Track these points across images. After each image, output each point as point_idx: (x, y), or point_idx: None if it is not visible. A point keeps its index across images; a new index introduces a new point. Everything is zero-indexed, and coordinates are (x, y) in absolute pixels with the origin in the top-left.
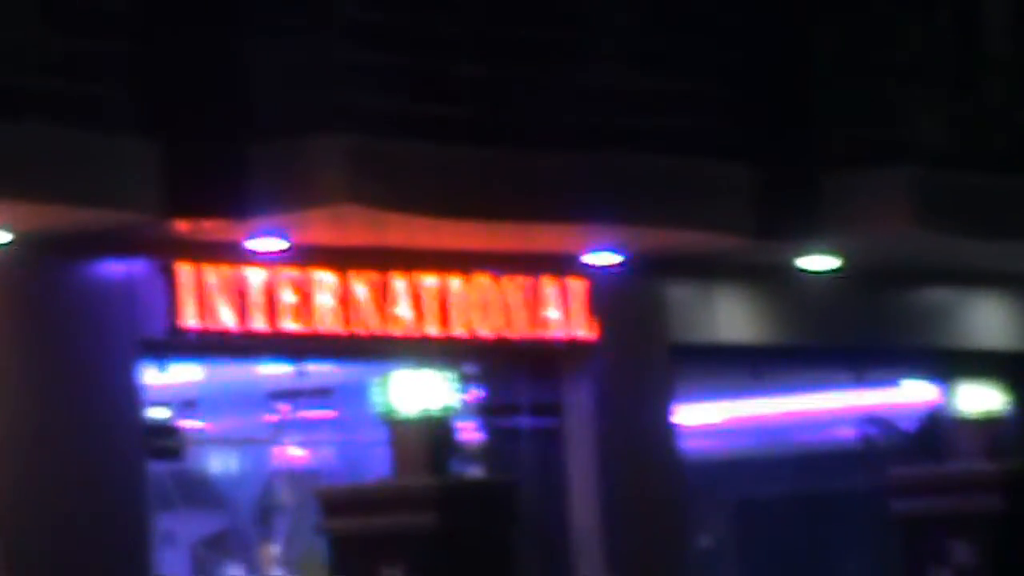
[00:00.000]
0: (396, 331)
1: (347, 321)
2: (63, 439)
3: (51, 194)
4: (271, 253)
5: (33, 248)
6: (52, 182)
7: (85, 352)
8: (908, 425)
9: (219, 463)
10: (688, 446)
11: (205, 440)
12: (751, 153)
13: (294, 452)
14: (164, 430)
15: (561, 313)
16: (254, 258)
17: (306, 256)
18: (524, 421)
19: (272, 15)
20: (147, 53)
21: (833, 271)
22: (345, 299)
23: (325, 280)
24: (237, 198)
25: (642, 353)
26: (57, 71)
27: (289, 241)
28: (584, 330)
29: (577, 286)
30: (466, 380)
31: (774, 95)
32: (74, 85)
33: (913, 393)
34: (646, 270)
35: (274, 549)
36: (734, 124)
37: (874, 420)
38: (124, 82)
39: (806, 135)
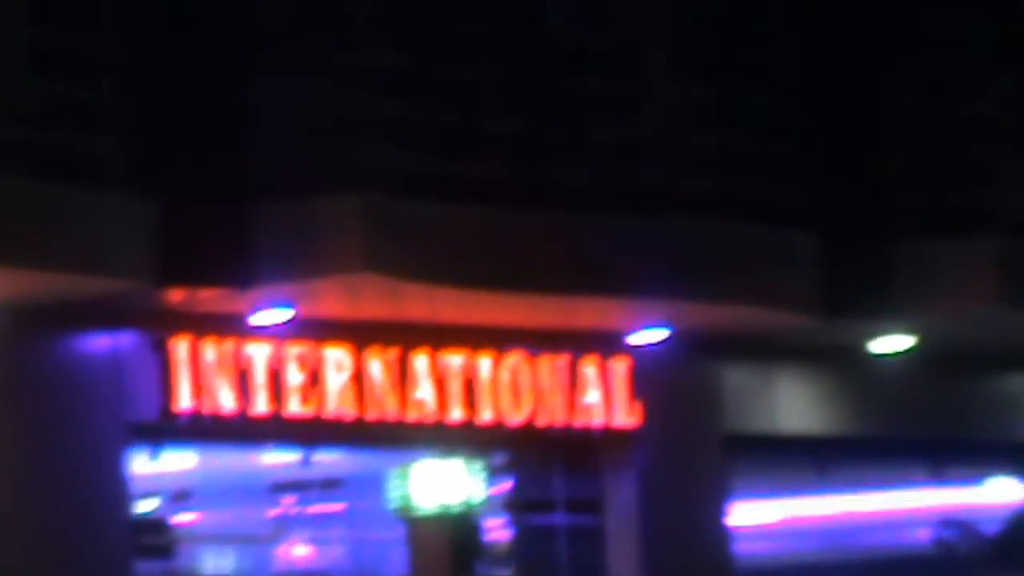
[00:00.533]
0: (416, 416)
1: (360, 404)
2: (40, 534)
3: (29, 258)
4: (276, 326)
5: (7, 318)
6: (30, 244)
7: (67, 436)
8: (991, 528)
9: (215, 563)
10: (743, 549)
11: (199, 537)
12: (818, 221)
13: (299, 551)
14: (154, 525)
15: (601, 397)
16: (257, 332)
17: (315, 330)
18: (559, 519)
19: (280, 61)
20: (141, 102)
21: (908, 353)
22: (358, 379)
23: (336, 357)
24: (239, 265)
25: (692, 443)
26: (36, 120)
27: (296, 313)
28: (627, 416)
29: (620, 367)
30: (494, 472)
31: (844, 156)
32: (56, 135)
33: (997, 492)
34: (698, 350)
35: None
36: (799, 188)
37: (953, 522)
38: (115, 133)
39: (879, 201)
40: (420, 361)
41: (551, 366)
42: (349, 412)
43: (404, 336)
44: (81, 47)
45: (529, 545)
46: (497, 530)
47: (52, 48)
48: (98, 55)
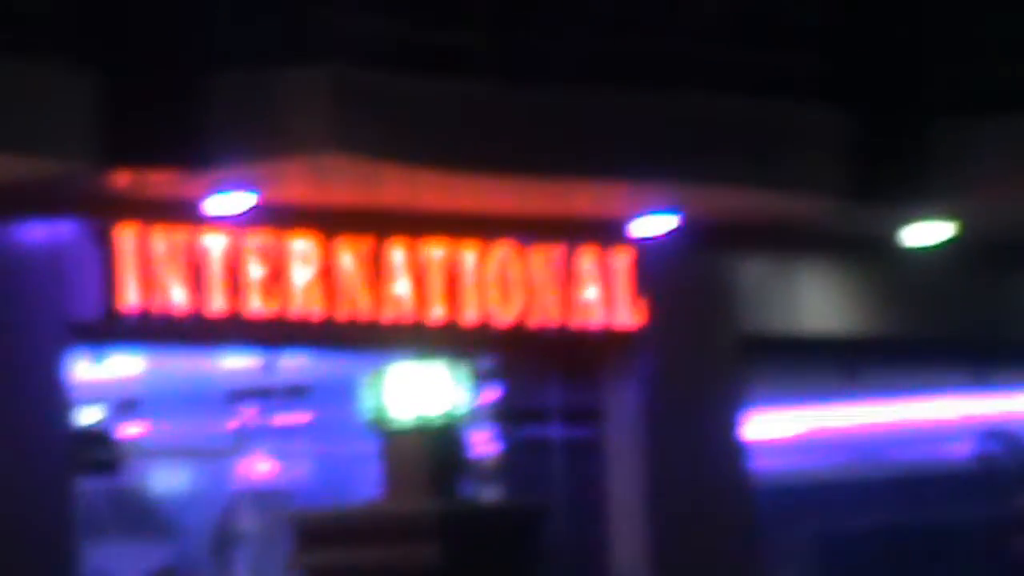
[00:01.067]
0: (392, 315)
1: (329, 301)
2: None
3: None
4: (234, 214)
5: None
6: None
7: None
8: None
9: (166, 480)
10: (761, 465)
11: (148, 451)
12: (846, 96)
13: (261, 467)
14: (97, 438)
15: (601, 293)
16: (213, 220)
17: (278, 218)
18: (553, 430)
19: None
20: None
21: (946, 244)
22: (327, 273)
23: (302, 249)
24: (192, 144)
25: (703, 346)
26: None
27: (257, 198)
28: (629, 315)
29: (621, 259)
30: (480, 378)
31: (874, 20)
32: None
33: None
34: (709, 240)
35: None
36: (824, 57)
37: (996, 434)
38: None
39: (915, 74)
40: (396, 253)
41: (544, 258)
42: (316, 310)
43: (378, 224)
44: None
45: (519, 460)
46: (483, 444)
47: None
48: None
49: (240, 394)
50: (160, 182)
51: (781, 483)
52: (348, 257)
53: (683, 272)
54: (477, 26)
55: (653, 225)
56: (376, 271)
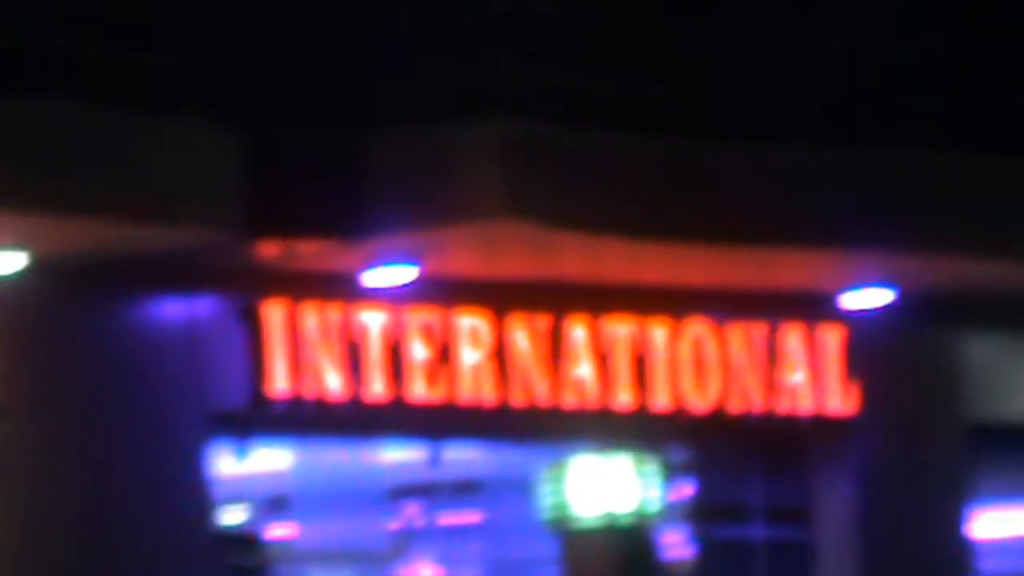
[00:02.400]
0: (572, 401)
1: (502, 386)
2: (102, 552)
3: (83, 202)
4: (395, 288)
5: (57, 278)
6: (84, 185)
7: (132, 429)
8: None
9: None
10: (989, 568)
11: (300, 554)
12: None
13: (425, 572)
14: (243, 540)
15: (809, 376)
16: (371, 295)
17: (445, 292)
18: (755, 530)
19: None
20: (222, 6)
21: None
22: (500, 354)
23: (472, 327)
24: (347, 210)
25: (924, 435)
26: (90, 30)
27: (420, 271)
28: (841, 401)
29: (832, 338)
30: (672, 471)
31: None
32: (116, 49)
33: None
34: (931, 316)
35: None
36: None
37: None
38: (191, 46)
39: None
40: (577, 331)
41: (744, 337)
42: (488, 396)
43: (557, 299)
44: None
45: (717, 564)
46: (677, 545)
47: None
48: None
49: (402, 491)
50: (312, 253)
51: None
52: (523, 336)
53: (901, 352)
54: (669, 76)
55: (867, 299)
56: (555, 352)
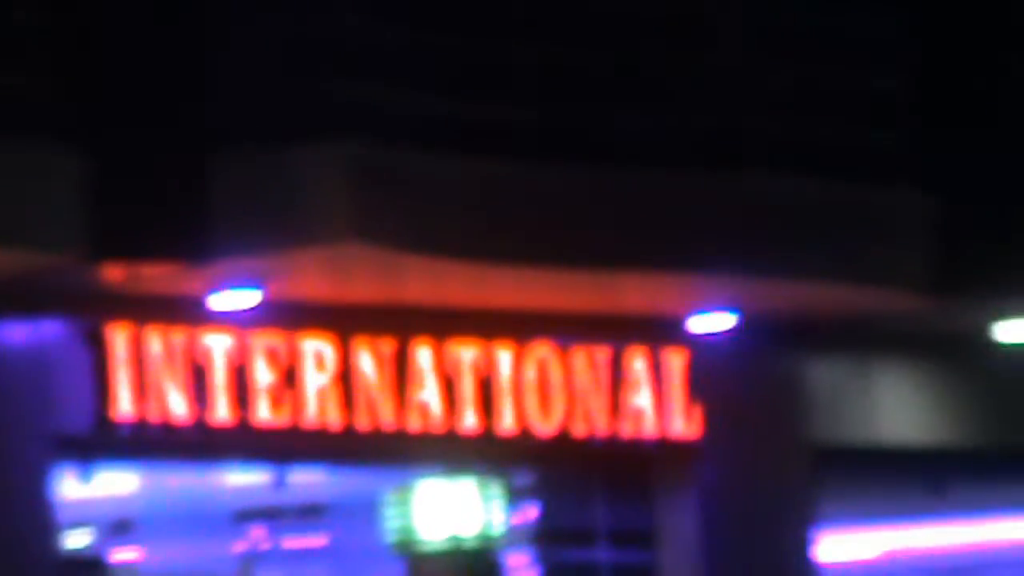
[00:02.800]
0: (418, 425)
1: (347, 410)
2: None
3: None
4: (240, 311)
5: None
6: None
7: None
8: None
9: None
10: None
11: None
12: (928, 176)
13: None
14: (87, 564)
15: (653, 399)
16: (216, 318)
17: (290, 316)
18: (601, 554)
19: None
20: (68, 24)
21: None
22: (345, 378)
23: (317, 350)
24: (192, 233)
25: (769, 458)
26: None
27: (266, 294)
28: (686, 424)
29: (676, 361)
30: (517, 495)
31: (960, 94)
32: None
33: None
34: (775, 340)
35: None
36: (905, 134)
37: None
38: (35, 65)
39: (1005, 151)
40: (423, 354)
41: (588, 360)
42: (333, 420)
43: (402, 323)
44: None
45: None
46: (521, 568)
47: None
48: None
49: (247, 514)
50: (157, 276)
51: None
52: (368, 360)
53: (745, 375)
54: (513, 99)
55: (711, 323)
56: (400, 375)
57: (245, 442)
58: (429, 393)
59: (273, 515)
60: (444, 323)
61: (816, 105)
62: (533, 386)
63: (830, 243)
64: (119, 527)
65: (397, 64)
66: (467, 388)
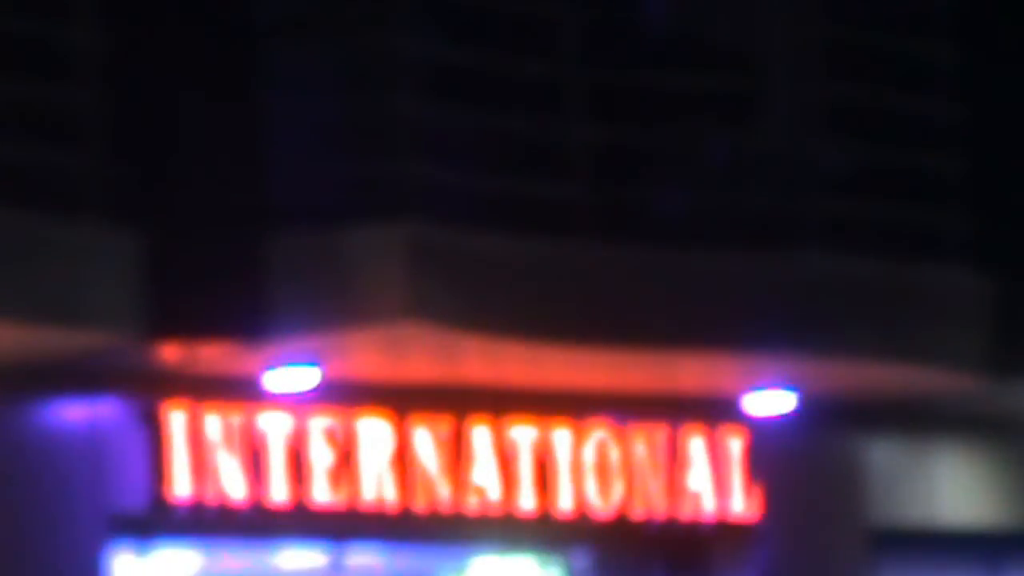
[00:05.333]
0: (475, 506)
1: (405, 490)
2: None
3: None
4: (297, 392)
5: None
6: None
7: (32, 532)
8: None
9: None
10: None
11: None
12: (985, 256)
13: None
14: None
15: (711, 480)
16: (273, 399)
17: (347, 396)
18: None
19: (299, 55)
20: (123, 105)
21: None
22: (402, 458)
23: (374, 431)
24: (249, 313)
25: (826, 540)
26: None
27: (323, 374)
28: (743, 505)
29: (733, 442)
30: (575, 575)
31: (1015, 176)
32: (11, 146)
33: None
34: (833, 420)
35: None
36: (963, 214)
37: None
38: (91, 145)
39: None
40: (480, 434)
41: (646, 440)
42: (390, 500)
43: (459, 402)
44: (52, 36)
45: None
46: None
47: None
48: (72, 45)
49: None
50: (213, 356)
51: None
52: (425, 439)
53: (803, 456)
54: (572, 179)
55: (769, 403)
56: (457, 455)
57: (302, 523)
58: (486, 473)
59: None
60: (501, 403)
61: (872, 184)
62: (591, 466)
63: (885, 322)
64: None
65: (452, 143)
66: (524, 468)
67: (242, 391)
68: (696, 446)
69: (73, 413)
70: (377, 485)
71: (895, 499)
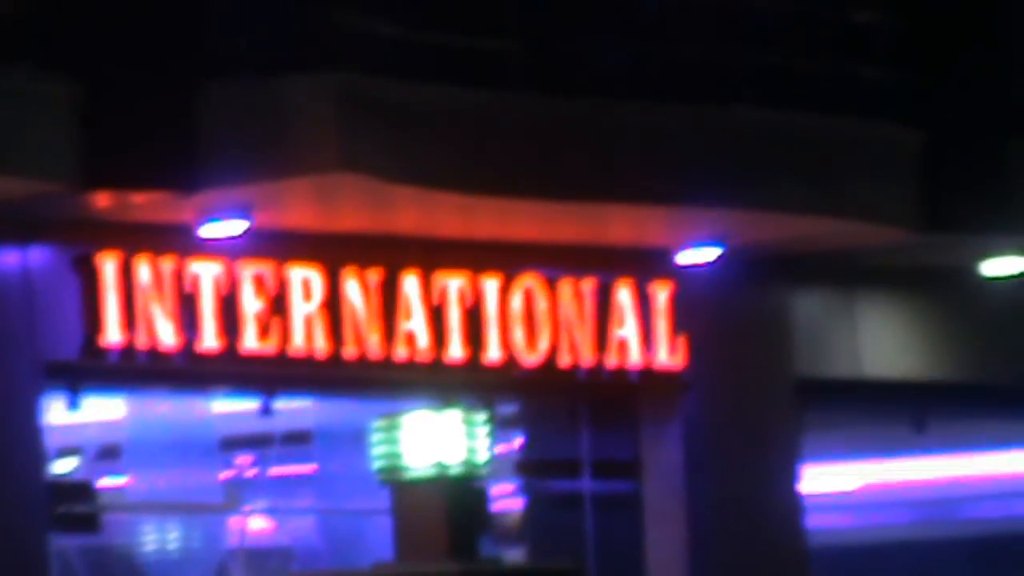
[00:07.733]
0: (404, 354)
1: (335, 338)
2: None
3: None
4: (229, 240)
5: None
6: None
7: None
8: None
9: (152, 537)
10: (817, 523)
11: (132, 505)
12: (916, 111)
13: (257, 523)
14: (74, 490)
15: (638, 331)
16: (205, 247)
17: (278, 245)
18: (585, 483)
19: None
20: None
21: None
22: (332, 307)
23: (305, 279)
24: (182, 162)
25: (753, 390)
26: None
27: (254, 223)
28: (671, 356)
29: (661, 293)
30: (503, 425)
31: (951, 28)
32: None
33: None
34: (761, 272)
35: None
36: (893, 68)
37: None
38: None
39: (994, 87)
40: (410, 284)
41: (575, 292)
42: (320, 349)
43: (391, 253)
44: None
45: (547, 516)
46: (506, 498)
47: None
48: None
49: (234, 442)
50: (146, 205)
51: (840, 542)
52: (356, 289)
53: (731, 307)
54: (505, 31)
55: (697, 255)
56: (387, 305)
57: (232, 370)
58: (416, 323)
59: (260, 443)
60: (432, 254)
61: (805, 39)
62: (520, 317)
63: (817, 176)
64: (107, 453)
65: None
66: (453, 318)
67: (174, 240)
68: (623, 297)
69: (6, 261)
70: (307, 333)
71: (821, 350)
